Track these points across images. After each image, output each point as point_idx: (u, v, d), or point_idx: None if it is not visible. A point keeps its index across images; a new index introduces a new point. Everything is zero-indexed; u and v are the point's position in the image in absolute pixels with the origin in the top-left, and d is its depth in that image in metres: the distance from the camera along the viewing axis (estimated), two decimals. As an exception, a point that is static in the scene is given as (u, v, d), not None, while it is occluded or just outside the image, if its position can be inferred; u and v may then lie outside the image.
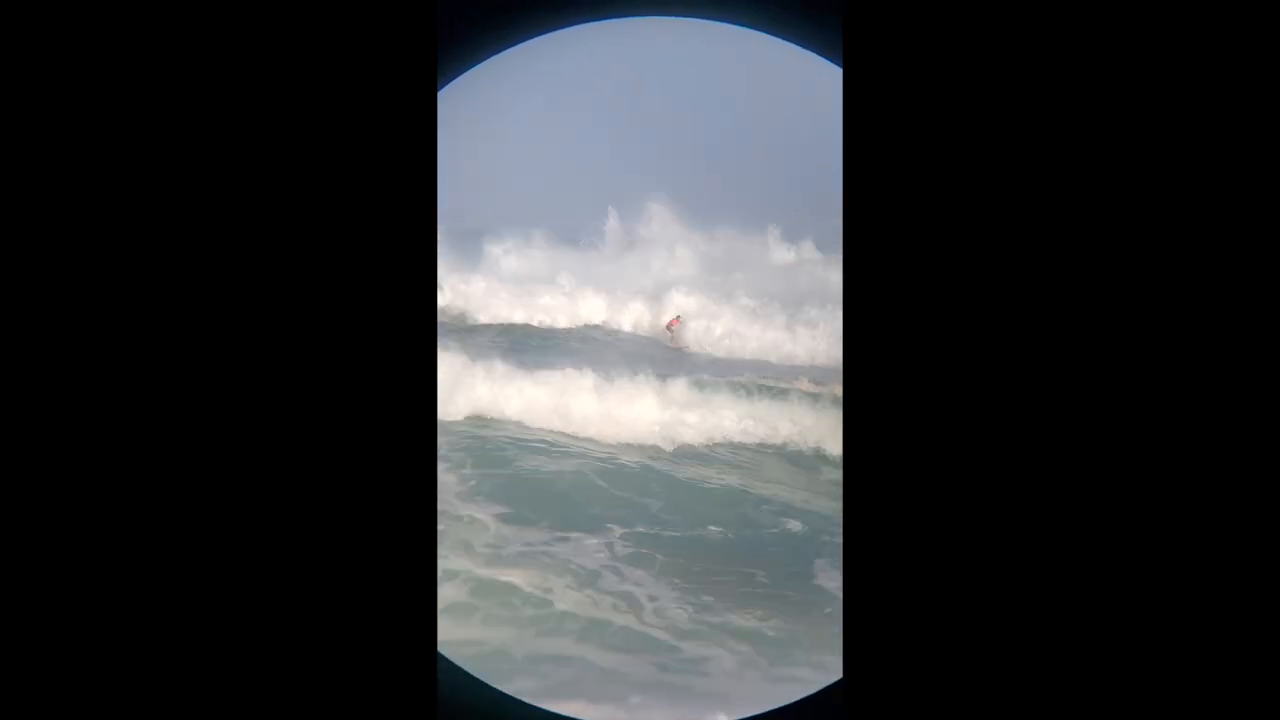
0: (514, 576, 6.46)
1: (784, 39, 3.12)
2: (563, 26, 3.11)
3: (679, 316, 14.72)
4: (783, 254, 17.32)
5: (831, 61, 2.85)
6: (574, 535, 7.52)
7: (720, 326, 14.36)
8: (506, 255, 17.12)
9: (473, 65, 2.96)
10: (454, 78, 2.90)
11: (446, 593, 6.34)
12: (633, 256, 17.22)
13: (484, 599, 6.24)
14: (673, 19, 3.36)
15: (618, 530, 7.55)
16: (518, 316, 15.30)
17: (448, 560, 6.76)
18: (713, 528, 7.72)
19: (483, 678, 3.15)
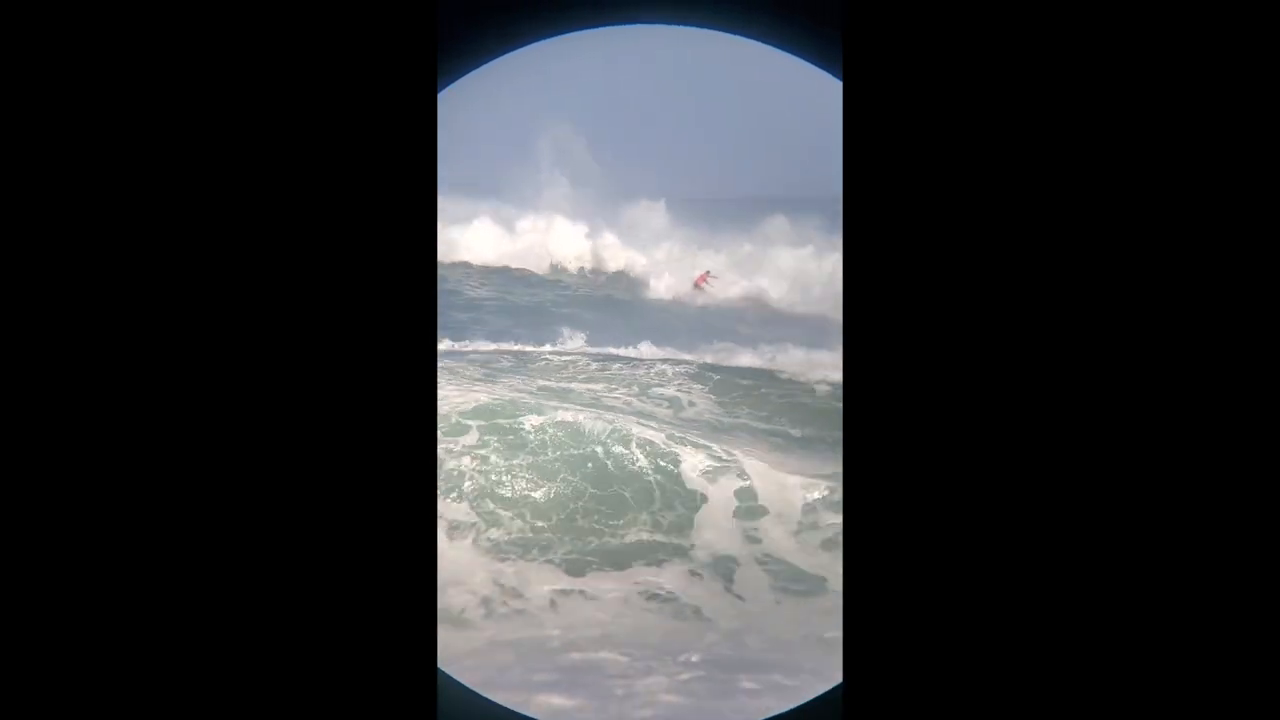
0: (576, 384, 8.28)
1: (784, 49, 3.12)
2: (563, 32, 3.11)
3: (708, 271, 14.87)
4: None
5: (832, 74, 2.86)
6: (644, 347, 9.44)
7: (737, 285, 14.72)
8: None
9: (472, 68, 2.95)
10: (453, 80, 2.89)
11: (508, 391, 7.86)
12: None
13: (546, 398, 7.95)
14: (673, 27, 3.36)
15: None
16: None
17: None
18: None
19: (483, 692, 3.17)
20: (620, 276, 16.18)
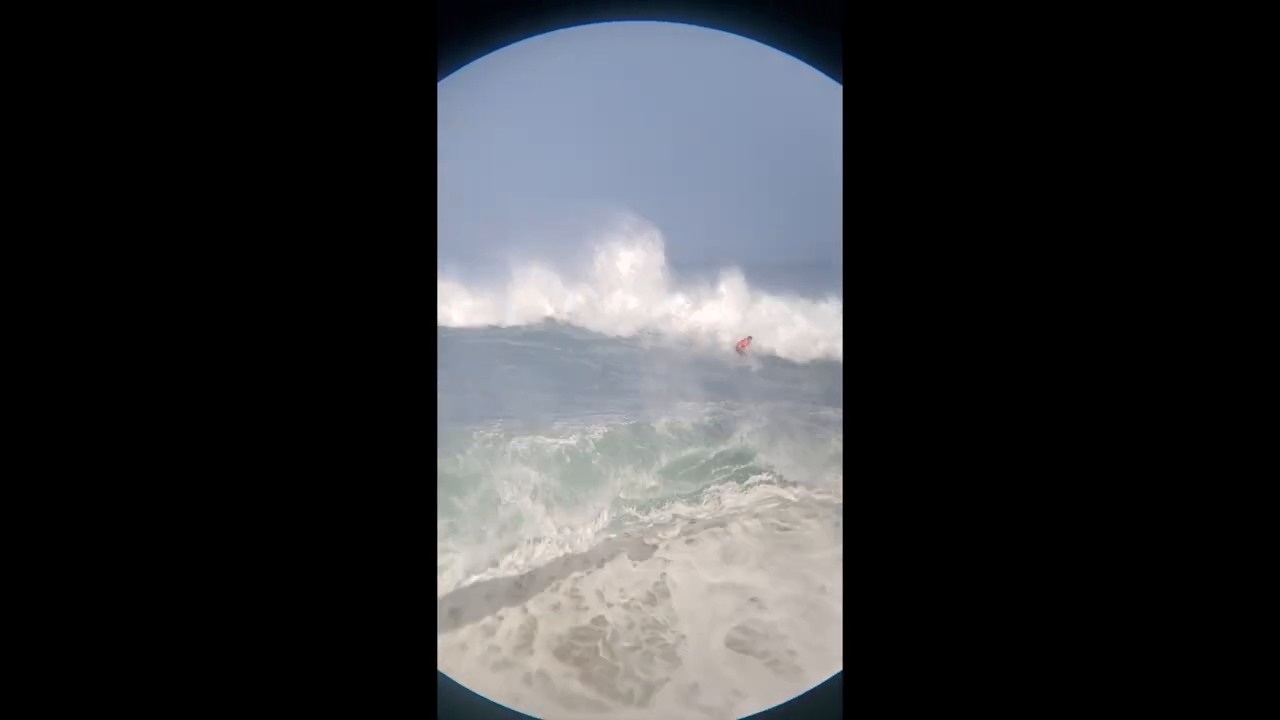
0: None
1: (784, 51, 3.12)
2: (561, 27, 3.09)
3: (749, 337, 14.73)
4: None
5: (831, 77, 2.85)
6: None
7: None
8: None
9: (469, 61, 2.93)
10: (450, 72, 2.87)
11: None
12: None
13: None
14: (674, 24, 3.35)
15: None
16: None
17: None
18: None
19: (483, 695, 3.17)
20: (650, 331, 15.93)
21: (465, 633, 5.16)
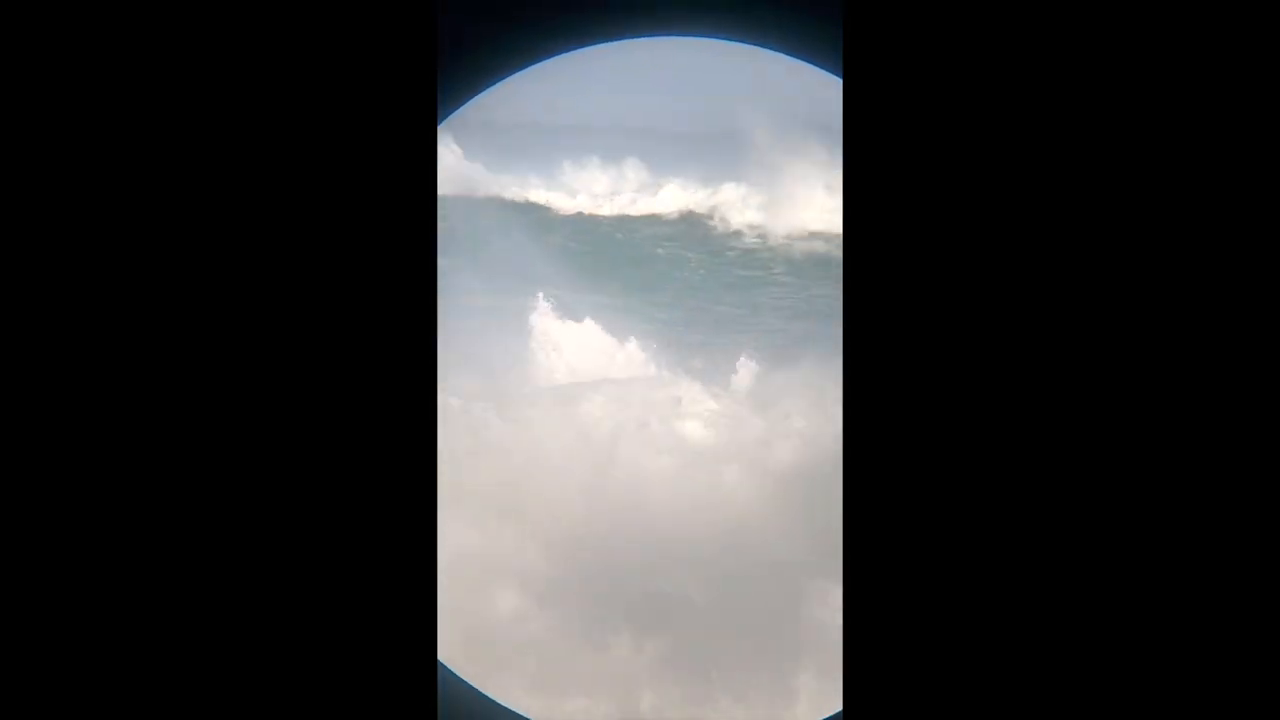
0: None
1: (786, 53, 3.11)
2: (564, 51, 3.10)
3: None
4: None
5: (831, 72, 2.84)
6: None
7: None
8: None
9: (473, 95, 2.95)
10: (455, 109, 2.89)
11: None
12: None
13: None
14: (671, 39, 3.36)
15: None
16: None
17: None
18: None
19: (483, 689, 3.16)
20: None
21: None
